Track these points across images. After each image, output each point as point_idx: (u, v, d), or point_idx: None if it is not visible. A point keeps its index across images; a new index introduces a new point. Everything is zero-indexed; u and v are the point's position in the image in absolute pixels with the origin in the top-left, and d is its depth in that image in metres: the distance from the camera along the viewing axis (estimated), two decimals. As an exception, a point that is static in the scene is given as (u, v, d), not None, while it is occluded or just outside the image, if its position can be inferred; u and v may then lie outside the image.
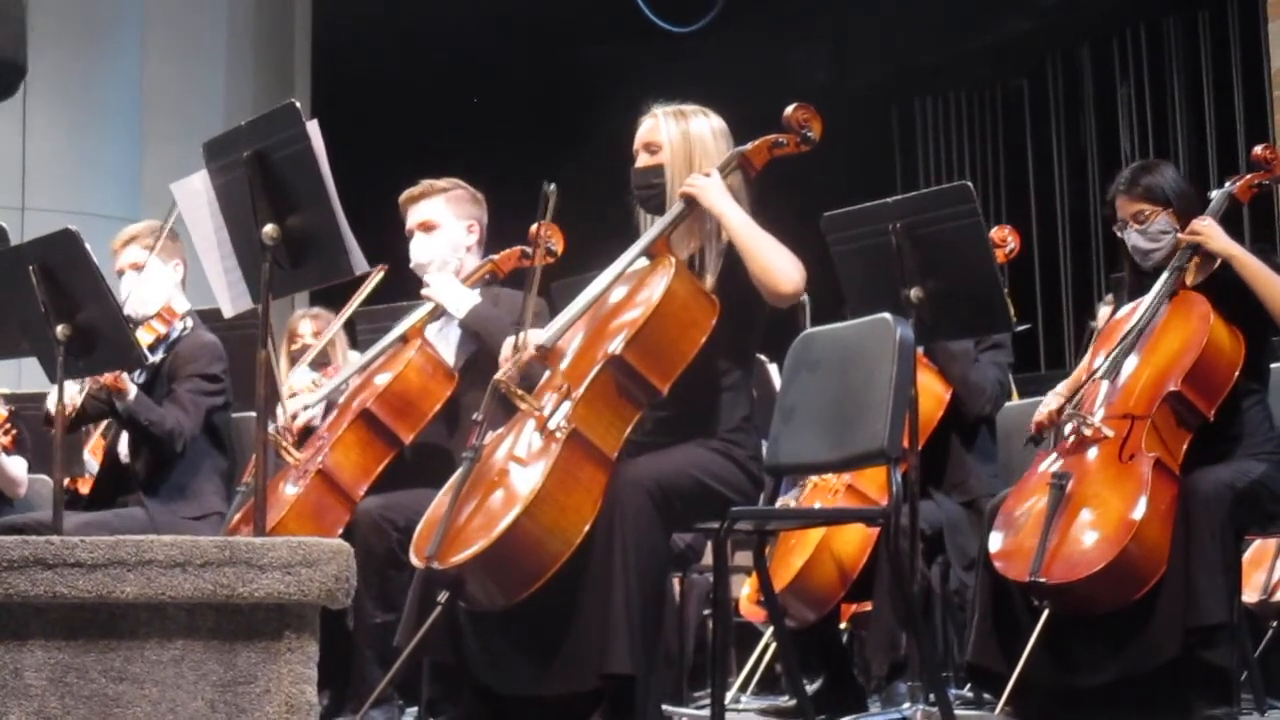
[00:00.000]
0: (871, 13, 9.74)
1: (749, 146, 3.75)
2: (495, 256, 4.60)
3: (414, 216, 4.59)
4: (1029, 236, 9.55)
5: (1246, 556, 5.03)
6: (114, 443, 4.93)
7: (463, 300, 4.45)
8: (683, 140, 3.75)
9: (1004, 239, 4.87)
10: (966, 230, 4.16)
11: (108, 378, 4.59)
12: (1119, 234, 4.21)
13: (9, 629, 2.68)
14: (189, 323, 4.90)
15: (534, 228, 4.45)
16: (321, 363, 5.42)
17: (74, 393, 4.67)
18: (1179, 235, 4.09)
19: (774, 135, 3.75)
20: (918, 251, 4.15)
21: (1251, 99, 8.70)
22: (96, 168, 9.55)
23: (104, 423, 5.10)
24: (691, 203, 3.67)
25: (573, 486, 3.39)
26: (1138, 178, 4.17)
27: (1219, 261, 4.05)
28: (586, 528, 3.38)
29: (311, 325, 5.77)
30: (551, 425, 3.44)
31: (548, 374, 3.65)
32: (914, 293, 4.13)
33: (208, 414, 4.82)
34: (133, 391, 4.67)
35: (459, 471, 3.53)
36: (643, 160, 3.80)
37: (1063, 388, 4.27)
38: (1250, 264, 3.98)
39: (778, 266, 3.57)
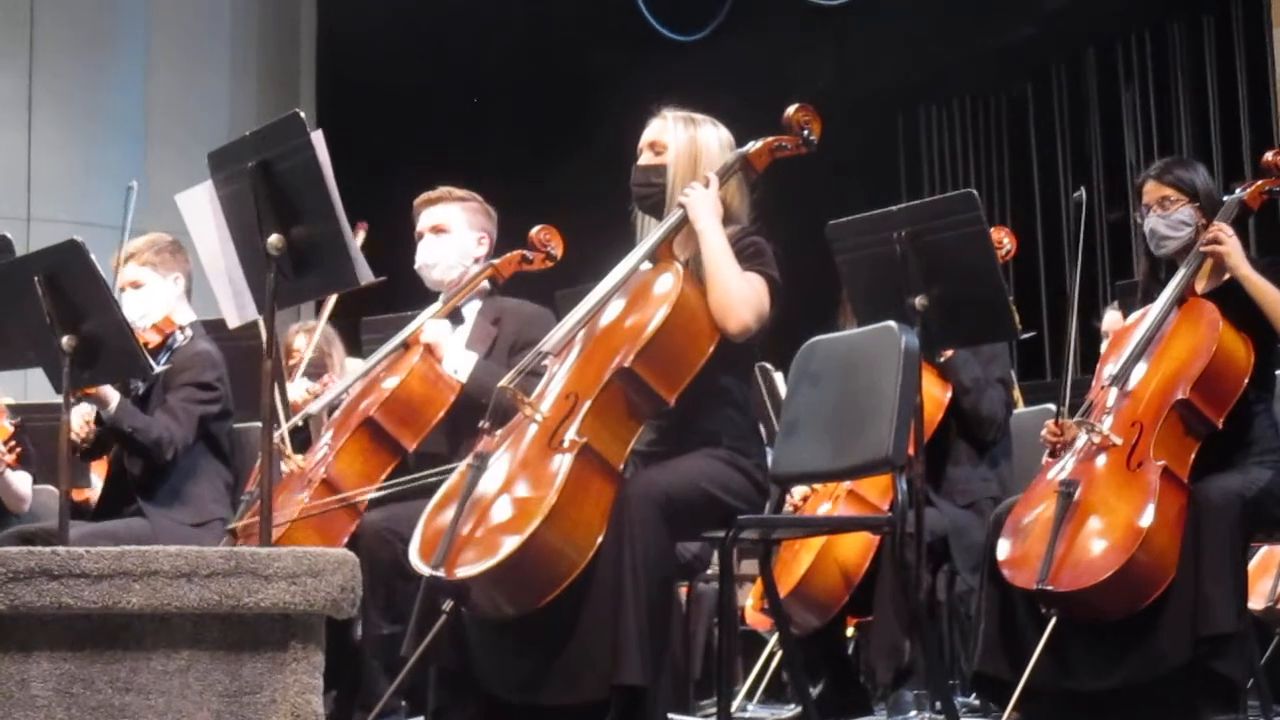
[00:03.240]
0: (875, 19, 9.72)
1: (750, 149, 3.74)
2: (495, 261, 4.58)
3: (427, 219, 4.57)
4: (1033, 242, 9.53)
5: (1253, 564, 5.02)
6: (120, 453, 4.91)
7: (462, 362, 4.42)
8: (689, 146, 3.73)
9: (1000, 240, 4.85)
10: (971, 238, 4.15)
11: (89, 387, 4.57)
12: (1139, 220, 4.18)
13: (15, 640, 2.68)
14: (188, 333, 4.88)
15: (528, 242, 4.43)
16: (317, 372, 5.40)
17: (79, 424, 4.63)
18: (1201, 246, 4.05)
19: (775, 137, 3.75)
20: (922, 259, 4.15)
21: (1256, 104, 8.68)
22: (101, 177, 9.56)
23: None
24: (687, 212, 3.66)
25: (583, 500, 3.38)
26: (1171, 166, 4.18)
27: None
28: (598, 540, 3.36)
29: (307, 339, 5.75)
30: (562, 438, 3.43)
31: (551, 382, 3.63)
32: (919, 301, 4.13)
33: (203, 422, 4.79)
34: (114, 400, 4.63)
35: (465, 478, 3.51)
36: (646, 159, 3.77)
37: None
38: (1264, 291, 3.94)
39: (734, 301, 3.51)
